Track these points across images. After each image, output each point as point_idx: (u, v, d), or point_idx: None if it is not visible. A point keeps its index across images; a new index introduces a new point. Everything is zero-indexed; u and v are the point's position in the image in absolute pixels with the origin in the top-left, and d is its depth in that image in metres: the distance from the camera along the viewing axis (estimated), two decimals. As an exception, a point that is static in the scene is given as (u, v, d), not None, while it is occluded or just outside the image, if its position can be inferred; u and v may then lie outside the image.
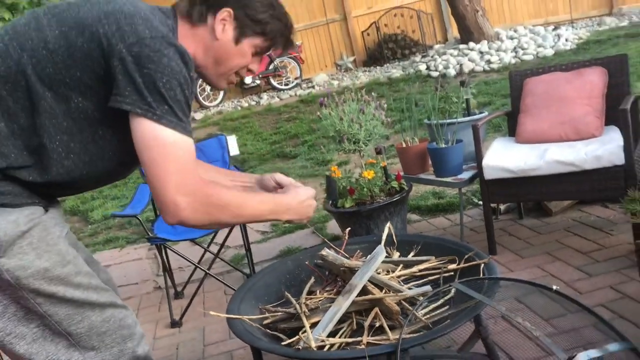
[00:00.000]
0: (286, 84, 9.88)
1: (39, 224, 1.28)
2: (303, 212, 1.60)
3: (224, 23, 1.40)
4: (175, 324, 2.95)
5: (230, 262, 3.46)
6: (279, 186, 1.75)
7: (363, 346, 1.64)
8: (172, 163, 1.25)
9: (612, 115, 2.88)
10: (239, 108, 9.14)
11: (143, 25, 1.26)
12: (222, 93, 9.69)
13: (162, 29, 1.29)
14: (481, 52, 8.33)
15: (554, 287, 1.72)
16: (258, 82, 9.88)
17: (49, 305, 1.28)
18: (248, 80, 9.79)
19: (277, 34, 1.47)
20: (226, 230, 3.24)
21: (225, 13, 1.40)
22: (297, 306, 1.85)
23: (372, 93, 3.46)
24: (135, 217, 2.87)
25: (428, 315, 1.75)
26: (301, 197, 1.61)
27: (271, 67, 9.84)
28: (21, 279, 1.23)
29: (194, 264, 3.11)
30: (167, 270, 3.14)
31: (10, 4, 7.29)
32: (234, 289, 2.65)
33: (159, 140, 1.24)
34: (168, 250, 3.12)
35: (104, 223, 5.14)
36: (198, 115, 9.03)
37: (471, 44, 8.56)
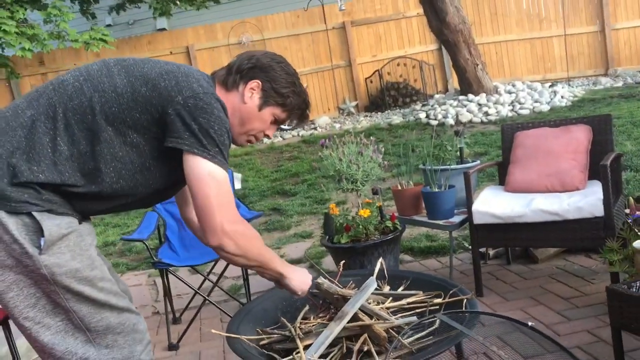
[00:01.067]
0: (289, 125, 10.14)
1: (76, 230, 1.49)
2: (299, 287, 1.91)
3: (252, 91, 1.69)
4: (172, 347, 3.07)
5: (228, 292, 3.59)
6: None
7: (351, 367, 1.78)
8: (221, 196, 1.53)
9: (596, 170, 3.08)
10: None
11: (196, 84, 1.55)
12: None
13: (210, 88, 1.58)
14: (479, 104, 8.62)
15: (530, 324, 1.88)
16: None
17: (74, 302, 1.46)
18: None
19: (294, 107, 1.76)
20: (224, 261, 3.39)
21: (255, 83, 1.69)
22: (292, 329, 2.00)
23: (371, 137, 3.66)
24: (143, 242, 3.03)
25: (413, 342, 1.90)
26: (303, 277, 1.92)
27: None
28: (56, 275, 1.42)
29: (194, 290, 3.24)
30: (167, 294, 3.27)
31: (31, 34, 7.59)
32: (230, 316, 2.78)
33: (213, 175, 1.51)
34: (169, 277, 3.26)
35: (104, 249, 5.28)
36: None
37: (470, 96, 8.86)
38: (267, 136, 1.79)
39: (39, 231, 1.42)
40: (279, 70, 1.72)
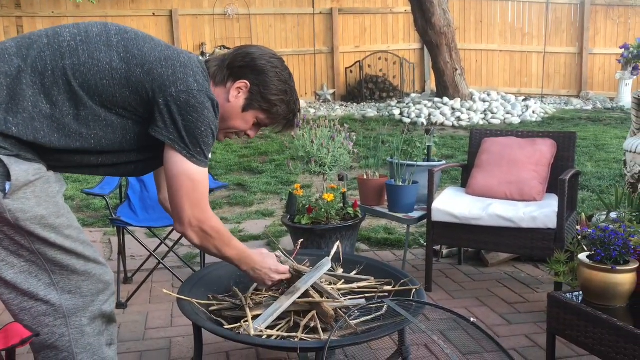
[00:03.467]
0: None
1: (43, 176, 1.47)
2: (262, 277, 1.91)
3: (239, 91, 1.66)
4: (120, 305, 3.06)
5: (182, 258, 3.60)
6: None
7: (297, 340, 1.83)
8: (194, 193, 1.58)
9: (554, 184, 3.18)
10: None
11: (193, 78, 1.54)
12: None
13: (205, 84, 1.57)
14: (453, 109, 8.75)
15: (472, 319, 1.96)
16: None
17: (40, 245, 1.46)
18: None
19: (280, 116, 1.73)
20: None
21: (243, 84, 1.66)
22: (243, 299, 2.04)
23: (345, 125, 3.70)
24: (103, 197, 3.01)
25: (358, 324, 1.96)
26: (270, 265, 1.91)
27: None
28: (20, 221, 1.41)
29: (149, 251, 3.24)
30: (121, 252, 3.26)
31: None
32: (182, 282, 2.80)
33: (188, 174, 1.55)
34: (125, 236, 3.25)
35: (62, 202, 5.20)
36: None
37: (445, 99, 8.98)
38: (248, 135, 1.77)
39: (5, 175, 1.39)
40: (272, 76, 1.67)
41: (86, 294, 1.56)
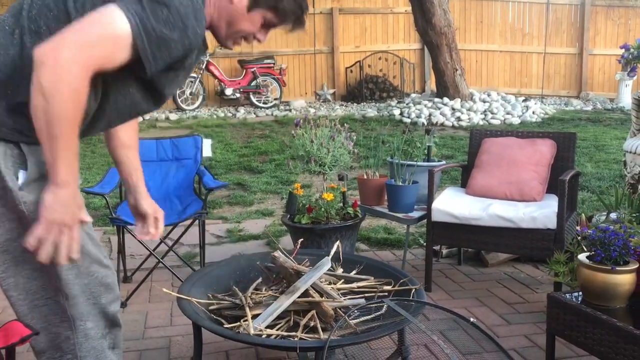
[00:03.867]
0: (265, 103, 10.10)
1: None
2: (53, 209, 1.34)
3: None
4: (120, 304, 3.06)
5: (182, 258, 3.60)
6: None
7: (296, 339, 1.83)
8: (92, 29, 1.26)
9: (554, 184, 3.18)
10: (215, 117, 9.30)
11: None
12: (200, 98, 9.84)
13: None
14: (453, 109, 8.75)
15: (471, 319, 1.96)
16: (238, 95, 10.08)
17: None
18: (228, 92, 9.98)
19: (288, 13, 1.57)
20: (183, 227, 3.39)
21: None
22: (243, 298, 2.04)
23: (345, 125, 3.70)
24: (103, 196, 3.01)
25: (358, 323, 1.96)
26: (68, 206, 1.35)
27: (253, 83, 10.07)
28: (34, 213, 1.37)
29: (149, 250, 3.24)
30: (121, 251, 3.26)
31: None
32: (182, 281, 2.80)
33: (103, 12, 1.28)
34: (125, 235, 3.25)
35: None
36: (173, 116, 9.14)
37: (445, 99, 8.98)
38: (258, 40, 1.61)
39: (22, 164, 1.37)
40: None
41: (89, 296, 1.53)
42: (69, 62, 1.22)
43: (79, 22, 1.28)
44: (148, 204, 1.76)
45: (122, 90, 1.45)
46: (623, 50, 9.80)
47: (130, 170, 1.76)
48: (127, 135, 1.74)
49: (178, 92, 9.55)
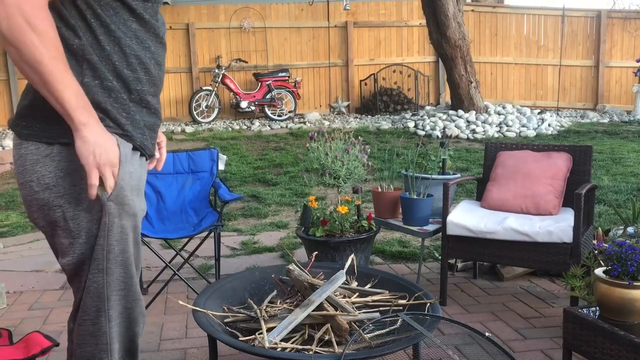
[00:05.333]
0: (279, 115, 10.16)
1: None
2: (92, 153, 1.29)
3: None
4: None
5: (198, 270, 3.62)
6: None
7: (311, 353, 1.84)
8: None
9: (570, 198, 3.16)
10: (230, 129, 9.38)
11: None
12: (215, 111, 9.94)
13: None
14: (468, 121, 8.73)
15: (487, 334, 1.95)
16: (253, 108, 10.15)
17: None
18: (244, 104, 10.06)
19: None
20: (198, 239, 3.41)
21: None
22: (258, 311, 2.05)
23: (359, 137, 3.72)
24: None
25: (373, 337, 1.96)
26: (106, 143, 1.31)
27: (268, 96, 10.14)
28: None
29: (165, 262, 3.27)
30: (138, 264, 3.29)
31: None
32: (197, 294, 2.81)
33: None
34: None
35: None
36: (189, 129, 9.23)
37: (460, 112, 8.97)
38: None
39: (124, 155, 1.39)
40: None
41: (125, 319, 1.50)
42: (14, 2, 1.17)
43: None
44: None
45: (116, 20, 1.37)
46: (639, 63, 9.73)
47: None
48: None
49: (194, 104, 9.67)
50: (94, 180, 1.27)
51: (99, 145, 1.27)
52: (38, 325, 3.00)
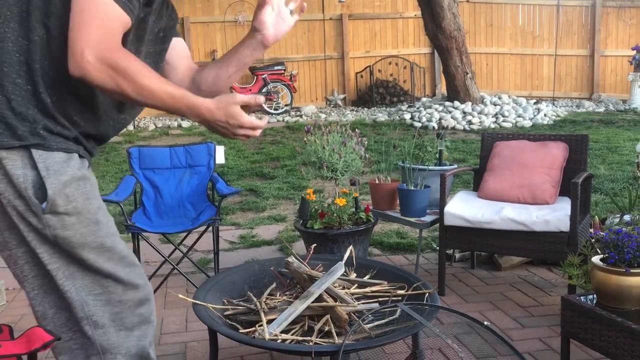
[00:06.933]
0: (276, 109, 10.15)
1: (84, 180, 1.41)
2: (218, 129, 1.41)
3: None
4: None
5: (196, 264, 3.63)
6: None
7: (311, 344, 1.85)
8: (95, 21, 1.28)
9: (567, 187, 3.17)
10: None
11: None
12: (212, 106, 9.93)
13: None
14: (464, 112, 8.74)
15: (485, 323, 1.97)
16: (249, 102, 10.13)
17: (75, 268, 1.39)
18: (239, 98, 10.04)
19: None
20: (197, 233, 3.42)
21: None
22: (258, 303, 2.06)
23: (356, 130, 3.72)
24: (118, 203, 3.05)
25: (372, 328, 1.97)
26: (225, 117, 1.38)
27: (264, 90, 10.13)
28: (59, 239, 1.36)
29: (164, 257, 3.27)
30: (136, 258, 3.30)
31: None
32: (197, 288, 2.82)
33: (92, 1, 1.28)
34: (140, 242, 3.29)
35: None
36: (185, 124, 9.22)
37: (456, 103, 8.97)
38: None
39: (39, 185, 1.33)
40: None
41: (120, 327, 1.41)
42: (98, 60, 1.26)
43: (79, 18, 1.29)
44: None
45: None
46: (634, 51, 9.75)
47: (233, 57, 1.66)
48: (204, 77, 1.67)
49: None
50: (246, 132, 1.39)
51: (207, 119, 1.37)
52: (38, 321, 3.01)
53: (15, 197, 1.31)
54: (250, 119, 1.39)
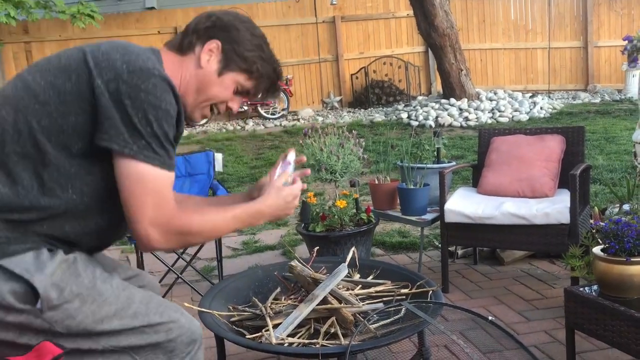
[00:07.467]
0: (273, 114, 10.18)
1: (70, 264, 1.36)
2: (283, 213, 1.57)
3: (210, 54, 1.44)
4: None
5: (200, 272, 3.64)
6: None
7: (318, 346, 1.86)
8: (148, 197, 1.28)
9: (565, 179, 3.19)
10: (224, 130, 9.39)
11: (120, 60, 1.28)
12: (208, 114, 9.95)
13: (140, 60, 1.30)
14: (460, 109, 8.76)
15: (490, 318, 1.98)
16: (246, 108, 10.16)
17: (106, 339, 1.36)
18: (236, 105, 10.06)
19: (262, 76, 1.49)
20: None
21: (214, 44, 1.44)
22: (263, 308, 2.07)
23: (353, 131, 3.74)
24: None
25: (378, 327, 1.98)
26: (283, 200, 1.55)
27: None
28: (72, 328, 1.31)
29: (167, 267, 3.29)
30: (141, 269, 3.31)
31: (17, 1, 7.48)
32: (202, 296, 2.83)
33: (137, 175, 1.27)
34: (143, 253, 3.29)
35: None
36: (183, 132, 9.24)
37: (452, 100, 9.00)
38: (230, 109, 1.52)
39: (26, 291, 1.27)
40: (243, 31, 1.47)
41: None
42: (164, 234, 1.32)
43: (133, 200, 1.29)
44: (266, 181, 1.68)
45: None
46: (626, 42, 9.76)
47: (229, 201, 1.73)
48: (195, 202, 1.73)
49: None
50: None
51: (272, 213, 1.54)
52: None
53: (6, 314, 1.25)
54: (298, 186, 1.58)
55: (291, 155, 1.66)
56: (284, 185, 1.57)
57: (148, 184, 1.28)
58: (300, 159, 1.70)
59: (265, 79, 1.51)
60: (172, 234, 1.32)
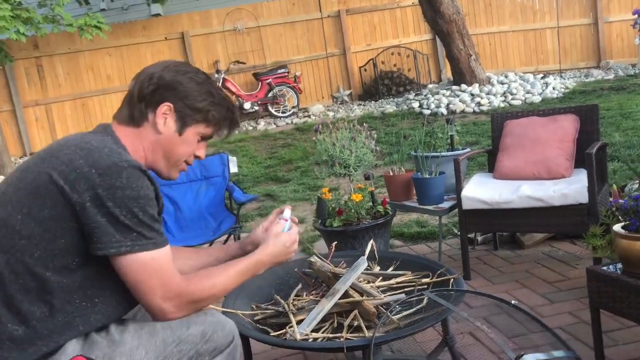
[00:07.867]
0: (283, 112, 10.19)
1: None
2: (284, 259, 1.68)
3: (164, 117, 1.46)
4: None
5: (221, 273, 3.67)
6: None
7: (342, 340, 1.87)
8: (153, 279, 1.35)
9: (581, 159, 3.16)
10: (236, 132, 9.42)
11: (87, 166, 1.30)
12: (220, 116, 9.98)
13: (105, 157, 1.32)
14: (472, 95, 8.70)
15: (513, 302, 1.97)
16: (256, 108, 10.19)
17: None
18: (247, 105, 10.10)
19: (220, 119, 1.54)
20: (218, 243, 3.46)
21: (165, 107, 1.46)
22: (286, 305, 2.09)
23: (364, 124, 3.74)
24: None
25: (401, 318, 1.99)
26: (282, 246, 1.66)
27: (270, 94, 10.17)
28: None
29: (189, 270, 3.32)
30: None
31: (25, 18, 7.56)
32: (225, 296, 2.85)
33: (137, 265, 1.34)
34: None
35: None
36: (196, 136, 9.30)
37: (463, 86, 8.93)
38: (198, 157, 1.59)
39: None
40: (187, 83, 1.48)
41: None
42: (177, 307, 1.41)
43: (141, 284, 1.36)
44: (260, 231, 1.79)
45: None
46: (636, 15, 9.61)
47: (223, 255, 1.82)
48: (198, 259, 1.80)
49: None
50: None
51: (272, 261, 1.65)
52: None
53: None
54: (295, 230, 1.70)
55: (287, 213, 1.75)
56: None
57: (149, 268, 1.35)
58: (294, 220, 1.77)
59: (223, 120, 1.57)
60: (184, 304, 1.42)
